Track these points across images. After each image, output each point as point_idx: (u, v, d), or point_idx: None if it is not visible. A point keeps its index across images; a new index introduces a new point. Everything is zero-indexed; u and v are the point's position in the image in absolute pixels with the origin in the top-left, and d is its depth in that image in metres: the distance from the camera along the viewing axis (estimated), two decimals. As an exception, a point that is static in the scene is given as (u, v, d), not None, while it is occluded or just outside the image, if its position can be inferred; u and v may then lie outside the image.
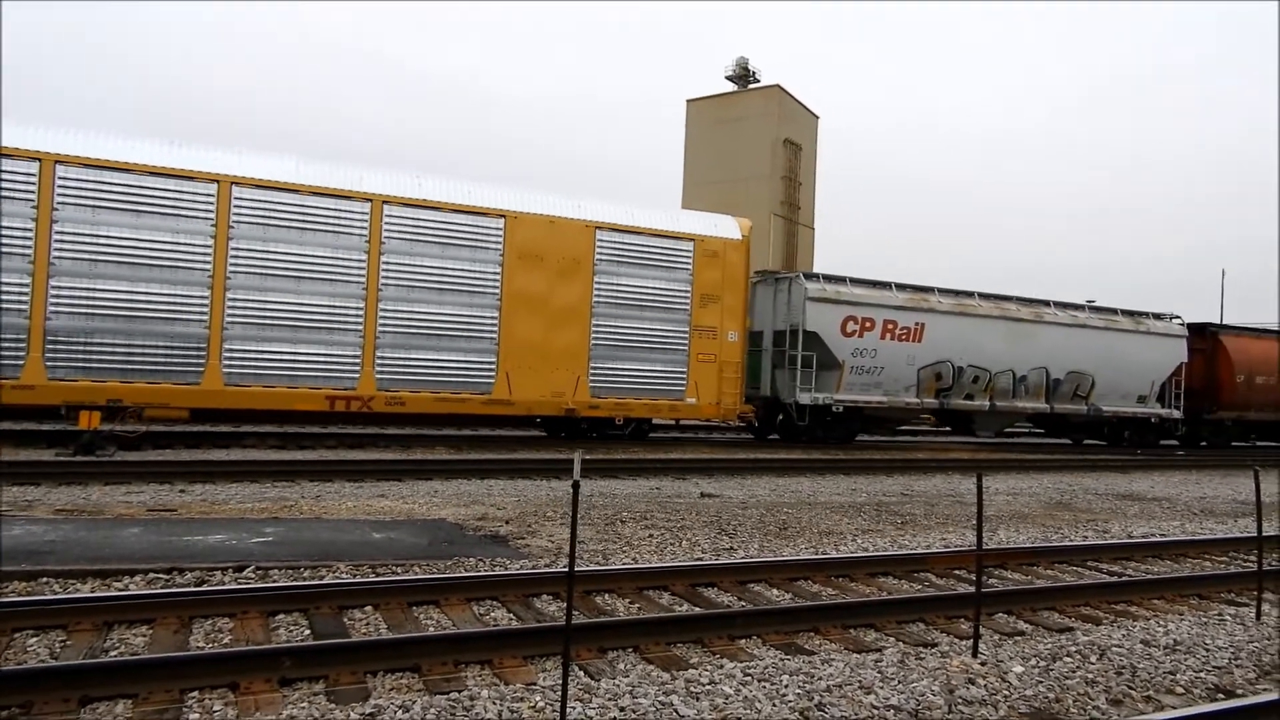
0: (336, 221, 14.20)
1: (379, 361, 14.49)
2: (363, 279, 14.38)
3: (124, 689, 3.84)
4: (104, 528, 7.00)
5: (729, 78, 62.07)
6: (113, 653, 4.44)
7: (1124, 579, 7.13)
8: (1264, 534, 6.42)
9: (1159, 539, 9.22)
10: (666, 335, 16.76)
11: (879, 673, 4.53)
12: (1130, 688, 4.56)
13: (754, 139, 56.82)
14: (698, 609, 5.68)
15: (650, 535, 8.08)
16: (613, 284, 16.30)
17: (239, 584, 5.70)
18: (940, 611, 5.79)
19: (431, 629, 5.07)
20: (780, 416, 19.48)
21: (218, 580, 5.80)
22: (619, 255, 16.36)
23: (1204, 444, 25.38)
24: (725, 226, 17.58)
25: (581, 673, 4.41)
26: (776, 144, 56.99)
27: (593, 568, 6.45)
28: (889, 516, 10.02)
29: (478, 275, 15.25)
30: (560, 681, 3.92)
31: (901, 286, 19.97)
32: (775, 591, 6.34)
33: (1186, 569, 8.04)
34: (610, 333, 16.27)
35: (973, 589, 5.21)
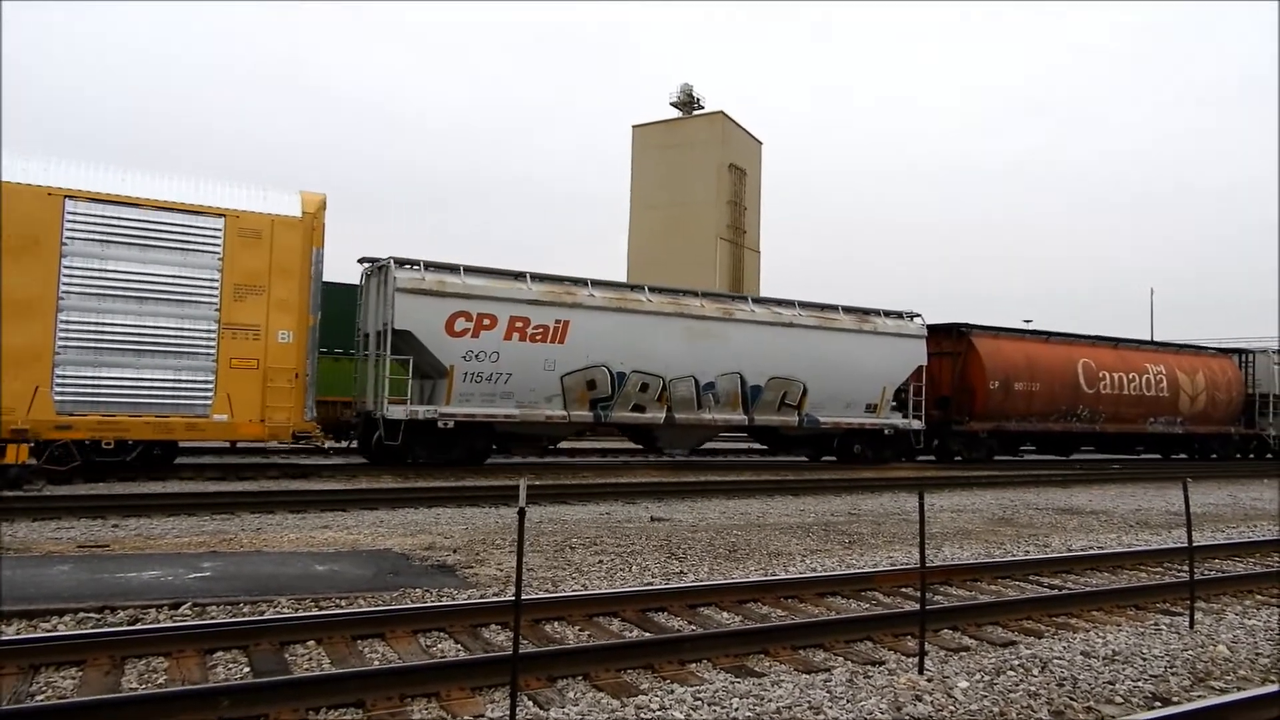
0: None
1: None
2: None
3: (50, 735, 3.68)
4: (31, 565, 6.73)
5: (674, 104, 62.87)
6: (39, 697, 4.26)
7: (1064, 592, 7.30)
8: (1194, 544, 6.64)
9: (1097, 551, 9.45)
10: (181, 335, 13.23)
11: (828, 692, 4.55)
12: (1071, 699, 4.65)
13: (699, 164, 57.56)
14: (647, 634, 5.66)
15: (600, 561, 8.04)
16: (93, 268, 12.77)
17: (174, 621, 5.51)
18: (887, 629, 5.85)
19: (376, 662, 4.96)
20: (377, 434, 15.69)
21: (152, 618, 5.60)
22: (104, 232, 12.82)
23: (958, 459, 22.47)
24: (278, 201, 14.18)
25: (531, 702, 4.35)
26: (721, 169, 57.80)
27: (542, 595, 6.39)
28: (837, 536, 10.12)
29: None
30: (509, 712, 3.87)
31: (539, 277, 16.75)
32: (725, 614, 6.35)
33: (1123, 580, 8.26)
34: (90, 331, 12.71)
35: (918, 606, 5.28)
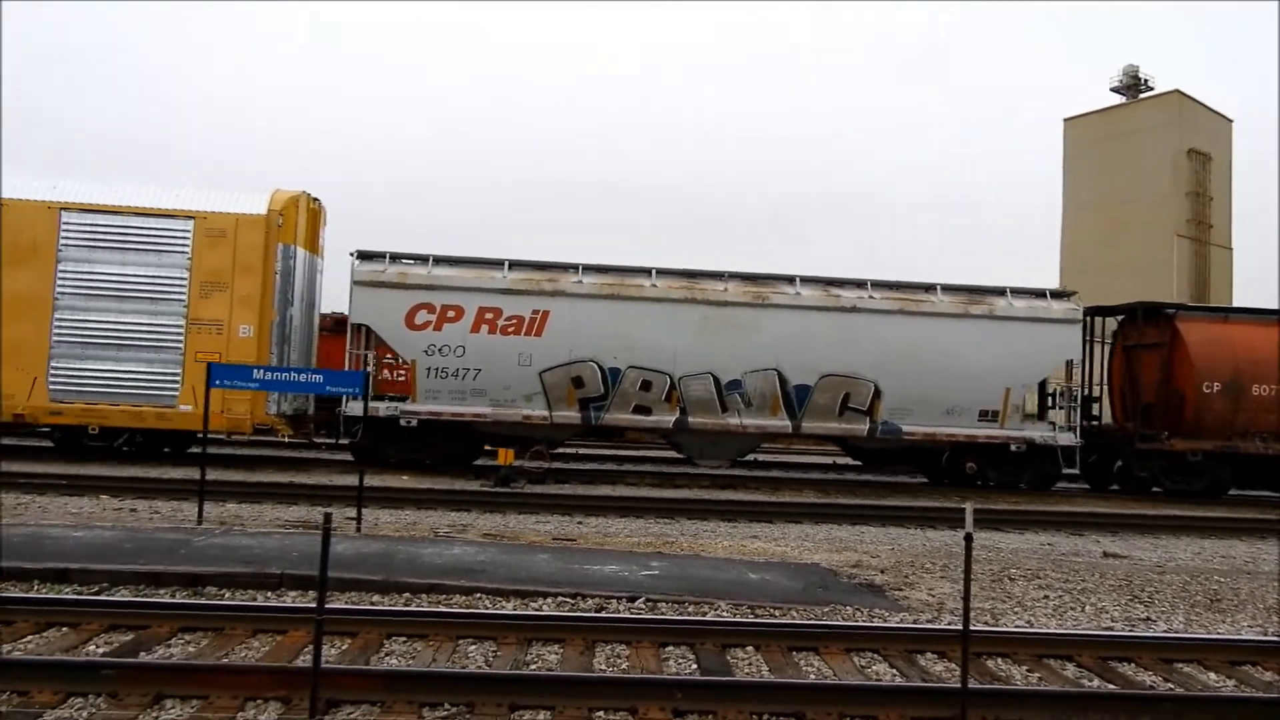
0: None
1: None
2: None
3: (544, 701, 4.28)
4: (520, 552, 7.94)
5: (1115, 89, 56.05)
6: (532, 666, 4.99)
7: None
8: None
9: None
10: (154, 330, 14.39)
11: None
12: None
13: (1148, 153, 50.45)
14: (1112, 686, 5.00)
15: (1045, 596, 7.32)
16: (84, 271, 14.34)
17: (633, 614, 6.12)
18: None
19: (812, 676, 5.02)
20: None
21: (614, 608, 6.27)
22: (93, 239, 14.39)
23: (1156, 489, 16.43)
24: (242, 200, 14.83)
25: (979, 742, 4.08)
26: (1178, 156, 50.07)
27: (983, 628, 5.98)
28: (1365, 596, 8.08)
29: None
30: (958, 749, 3.66)
31: (520, 264, 15.53)
32: (1212, 675, 5.39)
33: None
34: (80, 327, 14.29)
35: None
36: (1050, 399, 16.45)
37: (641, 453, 20.61)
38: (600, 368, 15.31)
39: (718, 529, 10.65)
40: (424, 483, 13.74)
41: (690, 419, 15.49)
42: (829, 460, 21.54)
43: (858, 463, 18.58)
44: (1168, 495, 16.28)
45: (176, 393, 14.41)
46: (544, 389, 15.27)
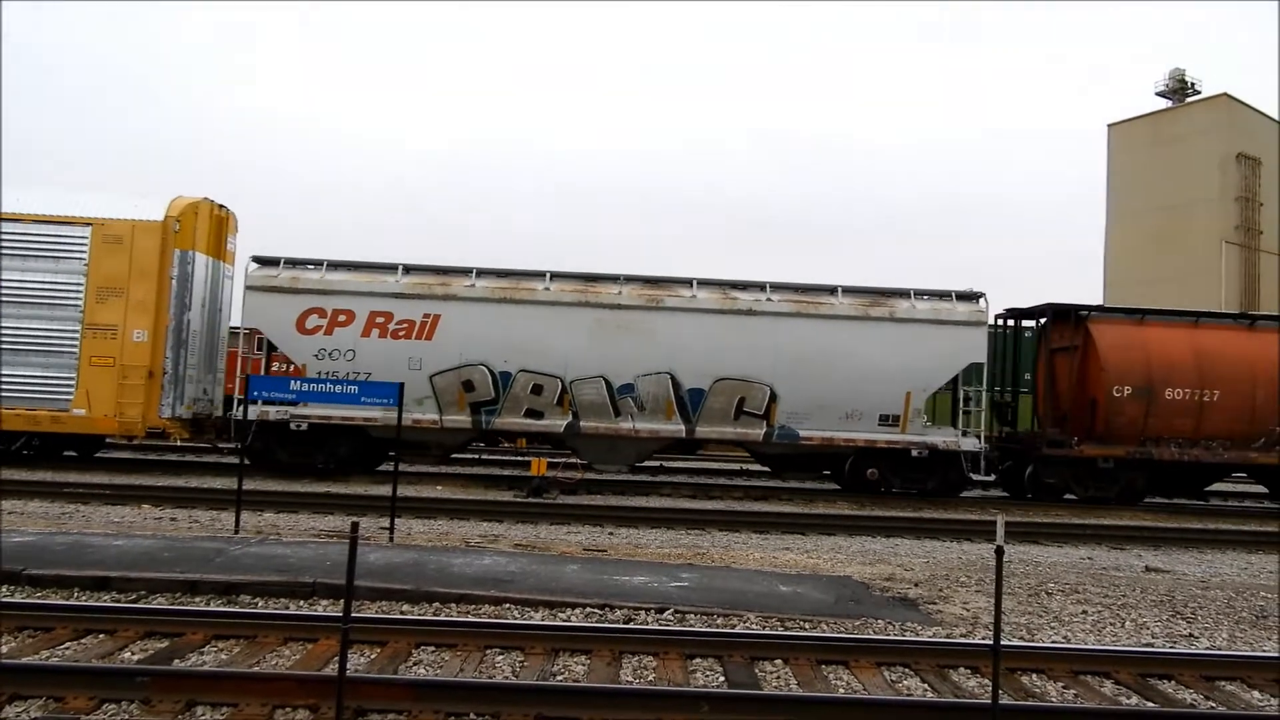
0: None
1: None
2: None
3: (569, 712, 4.29)
4: (551, 563, 7.95)
5: (1161, 93, 55.01)
6: (559, 677, 4.99)
7: None
8: None
9: None
10: (49, 336, 14.57)
11: None
12: None
13: (1196, 158, 49.42)
14: (1151, 705, 4.88)
15: (1084, 611, 7.17)
16: None
17: (661, 625, 6.09)
18: None
19: (841, 690, 4.96)
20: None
21: (642, 620, 6.25)
22: None
23: (1069, 496, 15.92)
24: (140, 207, 14.97)
25: (1010, 760, 4.00)
26: (1226, 160, 48.99)
27: (1018, 643, 5.87)
28: None
29: None
30: (987, 767, 3.59)
31: (415, 268, 15.60)
32: (1256, 694, 5.23)
33: None
34: None
35: None
36: (963, 403, 15.95)
37: (674, 463, 20.52)
38: (490, 371, 15.28)
39: (749, 540, 10.58)
40: (458, 493, 13.85)
41: (582, 423, 15.31)
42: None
43: (766, 469, 17.98)
44: (1081, 503, 15.77)
45: (71, 397, 14.63)
46: (434, 393, 15.26)
